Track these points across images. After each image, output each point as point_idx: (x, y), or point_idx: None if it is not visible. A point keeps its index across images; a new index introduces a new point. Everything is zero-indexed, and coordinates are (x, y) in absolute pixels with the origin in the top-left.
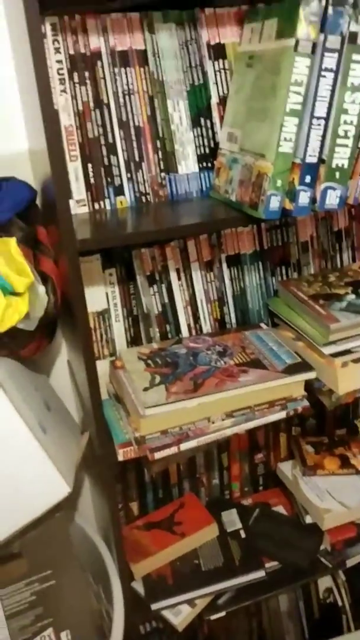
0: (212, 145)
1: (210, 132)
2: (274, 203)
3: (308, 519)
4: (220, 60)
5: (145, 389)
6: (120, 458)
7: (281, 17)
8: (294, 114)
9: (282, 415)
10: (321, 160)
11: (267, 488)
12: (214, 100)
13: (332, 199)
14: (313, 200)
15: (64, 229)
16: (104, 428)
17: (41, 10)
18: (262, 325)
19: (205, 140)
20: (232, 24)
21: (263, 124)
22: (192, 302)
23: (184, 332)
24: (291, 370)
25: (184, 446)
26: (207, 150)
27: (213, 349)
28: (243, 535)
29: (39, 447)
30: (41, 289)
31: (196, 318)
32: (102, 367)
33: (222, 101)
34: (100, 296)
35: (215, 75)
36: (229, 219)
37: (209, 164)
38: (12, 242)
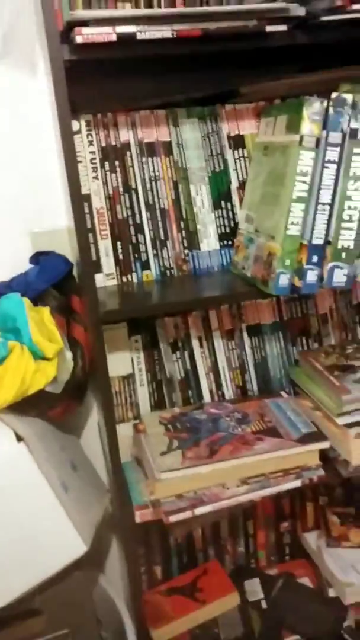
0: (232, 225)
1: (230, 213)
2: (283, 280)
3: (331, 592)
4: (240, 149)
5: (163, 453)
6: (138, 520)
7: (290, 114)
8: (300, 201)
9: (297, 483)
10: (327, 242)
11: (294, 558)
12: (234, 184)
13: (340, 277)
14: (321, 278)
15: (88, 302)
16: (123, 490)
17: (76, 110)
18: (283, 393)
19: (226, 221)
20: (250, 117)
21: (274, 209)
22: (214, 369)
23: (206, 397)
24: (305, 439)
25: (199, 511)
26: (228, 230)
27: (232, 416)
28: (264, 605)
29: (58, 505)
30: (69, 354)
31: (218, 384)
32: (126, 430)
33: (242, 185)
34: (126, 361)
35: (235, 162)
36: (245, 292)
37: (230, 242)
38: (45, 311)
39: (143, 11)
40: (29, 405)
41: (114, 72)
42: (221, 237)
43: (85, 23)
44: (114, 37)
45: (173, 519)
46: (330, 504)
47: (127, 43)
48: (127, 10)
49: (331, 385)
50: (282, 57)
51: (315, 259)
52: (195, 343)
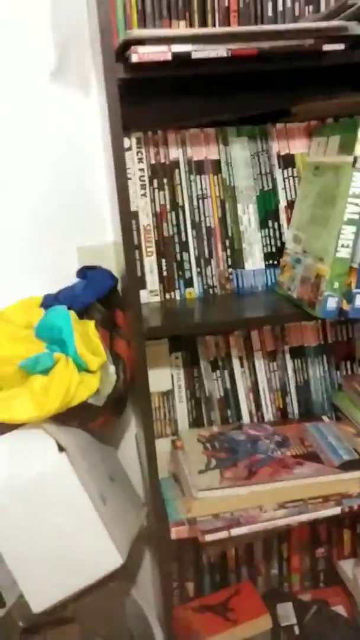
0: (278, 244)
1: (277, 232)
2: (331, 304)
3: None
4: (289, 169)
5: (201, 472)
6: (173, 536)
7: (343, 135)
8: (351, 223)
9: (336, 511)
10: None
11: (328, 585)
12: (282, 204)
13: None
14: None
15: (133, 317)
16: (160, 505)
17: (128, 127)
18: (325, 418)
19: (272, 240)
20: (301, 136)
21: (324, 230)
22: (254, 389)
23: (245, 418)
24: (347, 466)
25: (235, 532)
26: (274, 249)
27: (272, 438)
28: (297, 631)
29: (96, 517)
30: (112, 368)
31: (258, 405)
32: (164, 445)
33: (290, 205)
34: (165, 377)
35: (284, 181)
36: (290, 314)
37: (275, 262)
38: (91, 325)
39: (199, 30)
40: (71, 416)
41: (165, 90)
42: (267, 256)
43: (141, 42)
44: (169, 56)
45: (209, 538)
46: None
47: (182, 62)
48: (183, 30)
49: None
50: (334, 76)
51: None
52: (235, 362)
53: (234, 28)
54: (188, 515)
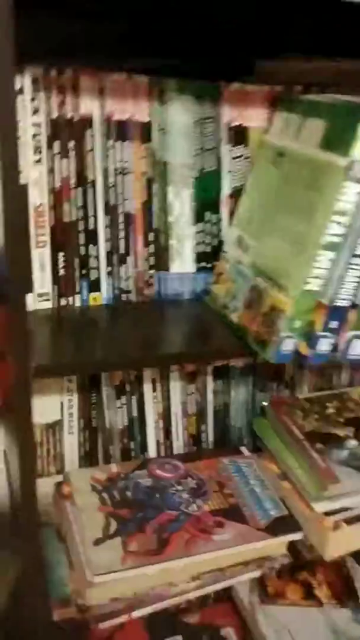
0: (215, 243)
1: (215, 228)
2: (288, 346)
3: None
4: (240, 146)
5: (97, 542)
6: (55, 618)
7: (332, 123)
8: (331, 248)
9: (256, 574)
10: (353, 305)
11: (217, 601)
12: (225, 191)
13: (358, 349)
14: (334, 347)
15: (16, 347)
16: (41, 581)
17: (19, 61)
18: (244, 450)
19: (208, 238)
20: (258, 105)
21: (289, 248)
22: (166, 415)
23: (151, 448)
24: (276, 528)
25: (137, 613)
26: (209, 249)
27: (185, 483)
28: None
29: None
30: None
31: (167, 433)
32: (46, 486)
33: (235, 194)
34: (53, 406)
35: (231, 162)
36: (229, 350)
37: (209, 264)
38: None
39: None
40: None
41: (82, 9)
42: (198, 257)
43: None
44: None
45: (104, 625)
46: None
47: None
48: None
49: (314, 464)
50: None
51: (334, 324)
52: (147, 387)
53: None
54: (79, 600)
